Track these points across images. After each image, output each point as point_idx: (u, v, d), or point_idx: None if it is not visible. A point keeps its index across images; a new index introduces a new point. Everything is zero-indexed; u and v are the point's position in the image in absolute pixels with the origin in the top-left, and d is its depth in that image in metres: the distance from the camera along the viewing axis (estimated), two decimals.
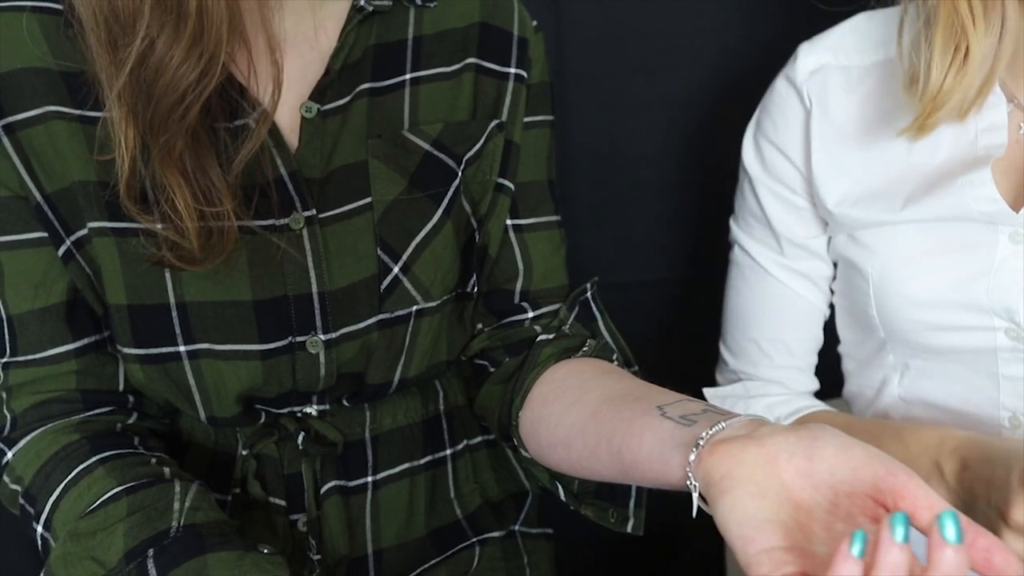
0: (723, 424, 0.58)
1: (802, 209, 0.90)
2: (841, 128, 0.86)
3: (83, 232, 0.75)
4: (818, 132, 0.87)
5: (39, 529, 0.74)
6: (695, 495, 0.57)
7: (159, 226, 0.72)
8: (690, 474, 0.57)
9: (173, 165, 0.70)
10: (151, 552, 0.69)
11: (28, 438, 0.76)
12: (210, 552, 0.68)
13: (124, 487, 0.72)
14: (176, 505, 0.72)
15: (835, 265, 0.93)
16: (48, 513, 0.73)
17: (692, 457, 0.57)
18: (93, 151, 0.73)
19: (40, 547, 0.74)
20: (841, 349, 0.98)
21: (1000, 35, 0.77)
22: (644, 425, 0.64)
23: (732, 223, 0.97)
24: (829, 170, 0.87)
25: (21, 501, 0.76)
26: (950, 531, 0.47)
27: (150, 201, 0.72)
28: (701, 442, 0.57)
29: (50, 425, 0.77)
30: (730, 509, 0.52)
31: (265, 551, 0.71)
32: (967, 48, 0.76)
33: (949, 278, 0.81)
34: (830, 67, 0.87)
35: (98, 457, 0.74)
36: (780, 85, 0.89)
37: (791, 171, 0.89)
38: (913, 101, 0.79)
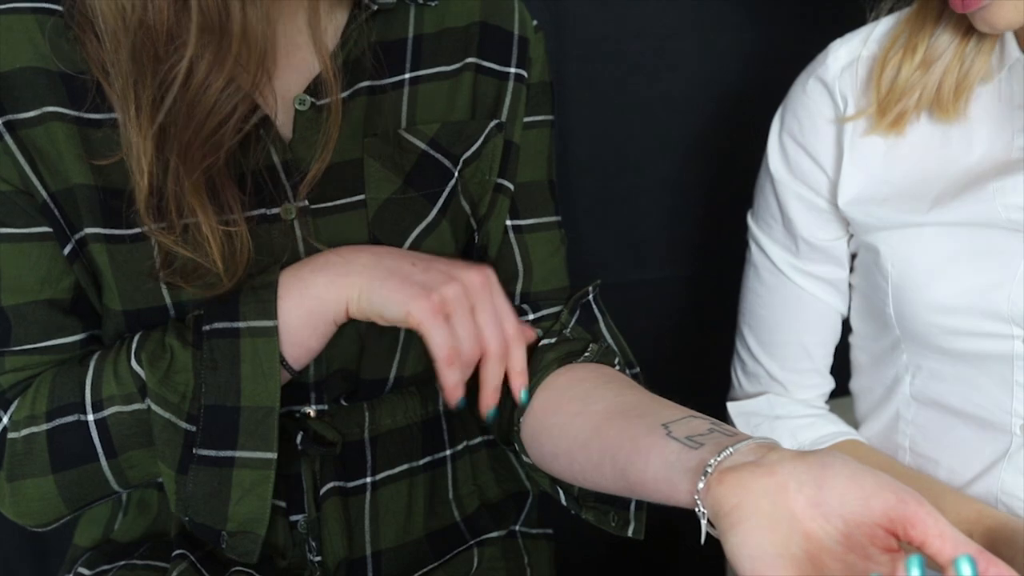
0: (731, 449, 0.57)
1: (825, 212, 0.89)
2: (872, 121, 0.85)
3: (82, 234, 0.75)
4: (851, 129, 0.86)
5: (91, 417, 0.74)
6: (703, 523, 0.57)
7: (179, 248, 0.72)
8: (699, 502, 0.57)
9: (198, 184, 0.70)
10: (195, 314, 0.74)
11: (22, 395, 0.76)
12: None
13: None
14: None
15: (853, 257, 0.92)
16: (92, 394, 0.74)
17: (700, 485, 0.56)
18: (90, 154, 0.73)
19: (96, 434, 0.74)
20: (853, 340, 0.97)
21: (969, 41, 0.80)
22: (649, 445, 0.64)
23: (751, 220, 0.96)
24: (858, 168, 0.86)
25: (47, 426, 0.74)
26: (966, 574, 0.48)
27: (167, 220, 0.72)
28: (709, 469, 0.57)
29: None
30: (741, 543, 0.52)
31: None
32: (921, 46, 0.81)
33: (970, 284, 0.80)
34: (863, 59, 0.86)
35: (99, 352, 0.77)
36: (810, 86, 0.88)
37: (818, 173, 0.88)
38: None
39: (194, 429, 0.72)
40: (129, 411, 0.74)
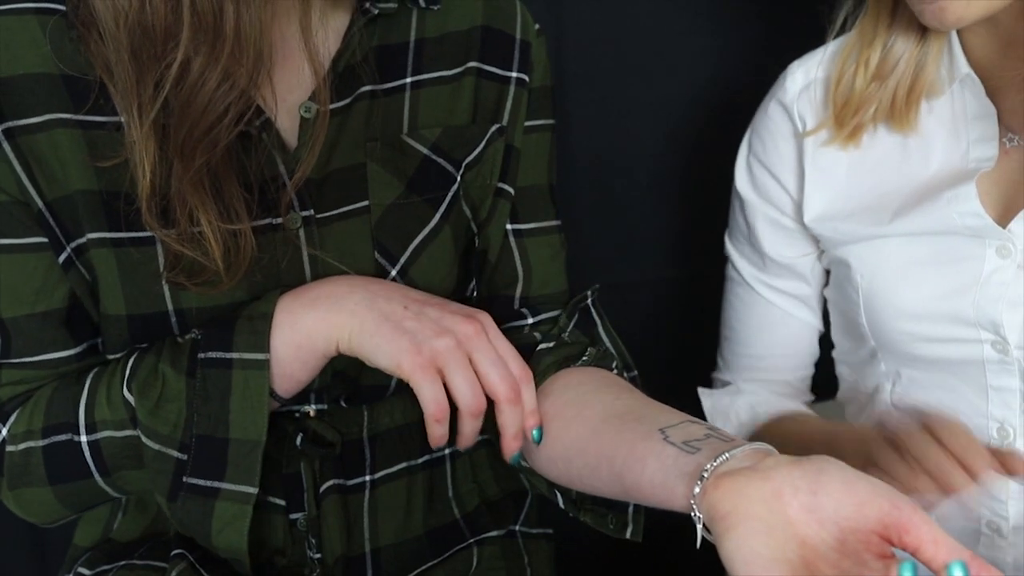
0: (727, 455, 0.58)
1: (791, 230, 0.92)
2: (831, 132, 0.87)
3: (82, 240, 0.75)
4: (811, 150, 0.88)
5: (84, 438, 0.74)
6: (699, 527, 0.57)
7: (181, 246, 0.72)
8: (694, 506, 0.57)
9: (198, 184, 0.70)
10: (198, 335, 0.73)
11: (20, 409, 0.76)
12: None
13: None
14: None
15: (828, 273, 0.94)
16: (85, 414, 0.74)
17: (697, 490, 0.57)
18: (95, 157, 0.73)
19: (89, 454, 0.74)
20: (835, 354, 0.99)
21: (920, 48, 0.82)
22: (646, 450, 0.64)
23: (726, 237, 0.99)
24: (820, 186, 0.88)
25: (43, 442, 0.75)
26: None
27: (171, 219, 0.72)
28: (705, 474, 0.57)
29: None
30: (736, 547, 0.52)
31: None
32: (873, 57, 0.82)
33: (936, 290, 0.82)
34: (819, 81, 0.88)
35: (96, 370, 0.76)
36: (771, 108, 0.91)
37: (781, 193, 0.91)
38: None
39: (185, 458, 0.72)
40: (121, 436, 0.74)
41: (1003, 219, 0.80)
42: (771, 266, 0.93)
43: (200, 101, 0.68)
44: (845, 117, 0.85)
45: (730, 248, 0.98)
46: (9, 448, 0.76)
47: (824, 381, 1.01)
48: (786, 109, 0.89)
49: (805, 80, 0.89)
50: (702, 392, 0.99)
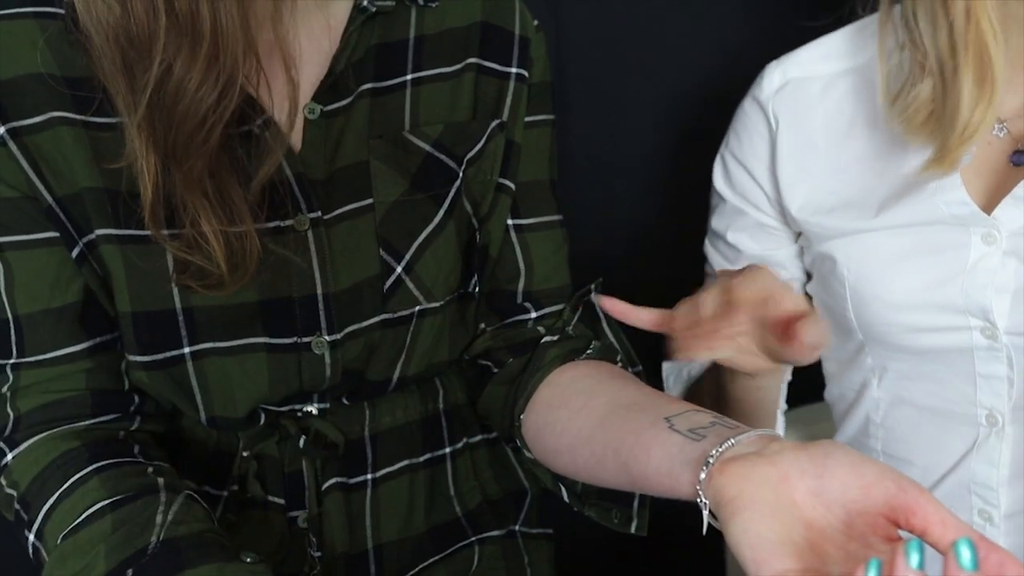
0: (732, 441, 0.58)
1: (766, 226, 0.92)
2: (810, 138, 0.87)
3: (92, 236, 0.75)
4: (785, 147, 0.88)
5: (31, 538, 0.73)
6: (705, 513, 0.57)
7: (185, 253, 0.71)
8: (700, 492, 0.57)
9: (196, 188, 0.70)
10: (130, 573, 0.67)
11: (30, 442, 0.76)
12: (187, 568, 0.67)
13: (109, 501, 0.71)
14: (159, 519, 0.70)
15: (809, 276, 0.94)
16: (40, 523, 0.73)
17: (702, 475, 0.57)
18: (99, 158, 0.73)
19: (32, 555, 0.74)
20: (822, 351, 0.98)
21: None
22: (652, 438, 0.64)
23: (707, 237, 0.99)
24: (797, 182, 0.88)
25: (16, 507, 0.75)
26: (966, 557, 0.47)
27: (175, 225, 0.72)
28: (711, 460, 0.57)
29: (54, 430, 0.76)
30: (742, 531, 0.52)
31: (248, 560, 0.69)
32: (993, 77, 0.75)
33: (924, 280, 0.82)
34: (796, 80, 0.88)
35: (95, 466, 0.74)
36: (747, 105, 0.91)
37: (755, 189, 0.91)
38: (895, 116, 0.80)
39: None
40: None
41: (987, 207, 0.80)
42: (742, 260, 0.94)
43: (184, 103, 0.68)
44: (835, 136, 0.84)
45: (707, 245, 0.98)
46: (2, 479, 0.76)
47: (812, 384, 1.01)
48: (761, 107, 0.89)
49: (781, 80, 0.89)
50: (666, 366, 0.98)
